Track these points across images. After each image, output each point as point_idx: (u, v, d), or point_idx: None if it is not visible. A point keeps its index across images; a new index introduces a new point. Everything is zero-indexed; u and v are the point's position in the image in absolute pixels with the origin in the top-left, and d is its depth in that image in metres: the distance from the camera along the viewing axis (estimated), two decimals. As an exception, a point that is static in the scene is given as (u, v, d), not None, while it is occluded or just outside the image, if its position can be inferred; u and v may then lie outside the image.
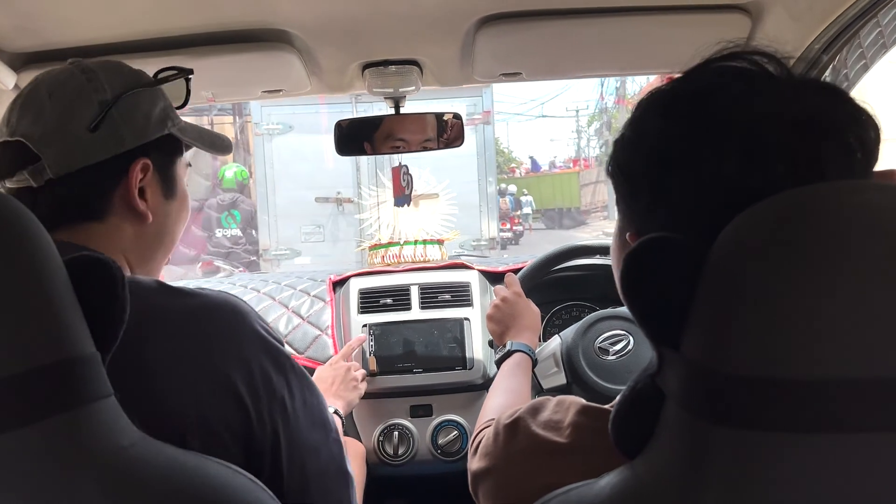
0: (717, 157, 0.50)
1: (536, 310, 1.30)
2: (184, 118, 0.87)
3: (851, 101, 0.51)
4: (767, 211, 0.43)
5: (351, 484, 0.87)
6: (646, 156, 0.56)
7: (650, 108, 0.57)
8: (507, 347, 1.19)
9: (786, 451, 0.40)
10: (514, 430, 0.71)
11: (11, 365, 0.45)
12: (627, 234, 0.60)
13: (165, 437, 0.63)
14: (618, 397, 0.62)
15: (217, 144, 0.92)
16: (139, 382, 0.65)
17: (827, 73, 1.13)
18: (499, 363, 1.18)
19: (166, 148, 0.83)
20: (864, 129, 0.50)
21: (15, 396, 0.45)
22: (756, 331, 0.41)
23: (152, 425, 0.64)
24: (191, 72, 0.89)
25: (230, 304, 0.74)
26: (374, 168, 6.15)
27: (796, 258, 0.40)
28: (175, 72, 0.86)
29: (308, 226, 6.47)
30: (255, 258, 6.55)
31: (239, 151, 9.25)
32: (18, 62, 1.10)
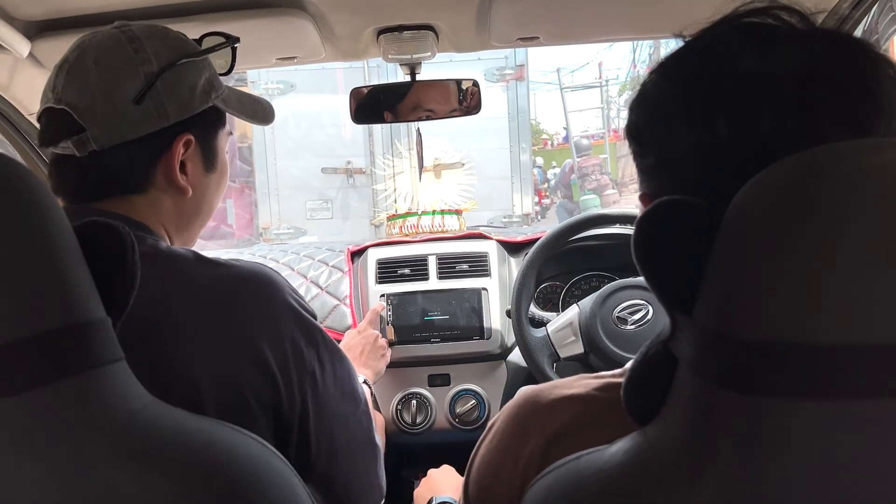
0: (708, 116, 0.49)
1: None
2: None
3: (872, 55, 0.49)
4: (782, 172, 0.42)
5: (379, 455, 0.87)
6: (648, 116, 0.56)
7: (657, 68, 0.56)
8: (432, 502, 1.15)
9: (800, 417, 0.39)
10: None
11: (21, 328, 0.46)
12: (639, 196, 0.60)
13: (197, 406, 0.64)
14: (628, 364, 0.62)
15: (259, 113, 0.92)
16: (176, 351, 0.67)
17: (858, 30, 1.09)
18: None
19: (209, 120, 0.82)
20: (885, 85, 0.48)
21: (25, 359, 0.46)
22: (769, 295, 0.40)
23: (186, 394, 0.65)
24: (237, 40, 0.87)
25: (264, 275, 0.75)
26: (390, 137, 5.45)
27: (811, 221, 0.39)
28: (222, 39, 0.85)
29: (314, 200, 5.73)
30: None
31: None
32: (33, 30, 1.10)
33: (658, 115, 0.54)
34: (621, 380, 0.58)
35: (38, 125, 0.78)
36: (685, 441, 0.45)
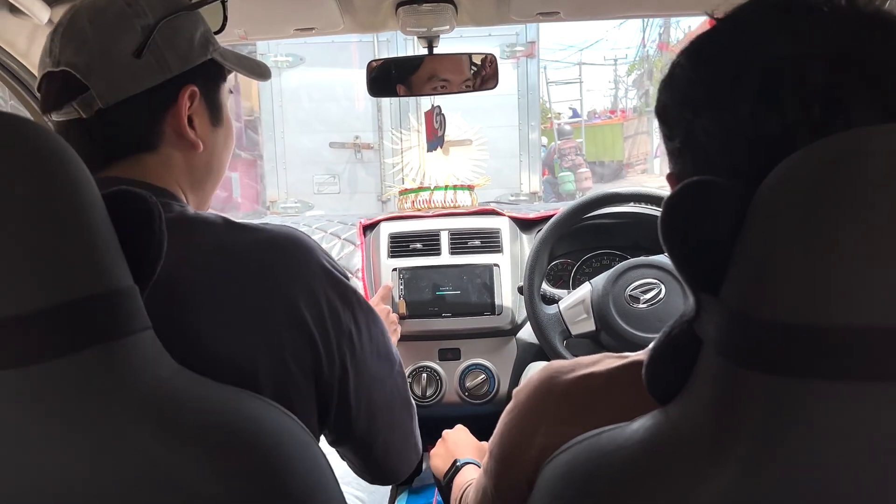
0: (733, 100, 0.49)
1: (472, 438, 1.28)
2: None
3: None
4: (815, 154, 0.41)
5: (415, 414, 0.89)
6: (675, 99, 0.55)
7: (684, 50, 0.56)
8: (457, 464, 1.16)
9: (826, 399, 0.39)
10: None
11: (52, 296, 0.46)
12: (666, 176, 0.60)
13: (238, 372, 0.65)
14: (651, 344, 0.62)
15: (256, 70, 0.91)
16: (212, 318, 0.66)
17: None
18: (449, 481, 1.14)
19: (210, 74, 0.81)
20: None
21: (55, 327, 0.46)
22: (800, 277, 0.40)
23: (224, 361, 0.65)
24: None
25: (296, 238, 0.75)
26: (399, 112, 5.37)
27: (844, 203, 0.39)
28: None
29: (321, 175, 5.63)
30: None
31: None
32: None
33: (684, 99, 0.54)
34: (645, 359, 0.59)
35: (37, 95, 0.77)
36: (708, 420, 0.45)
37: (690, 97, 0.53)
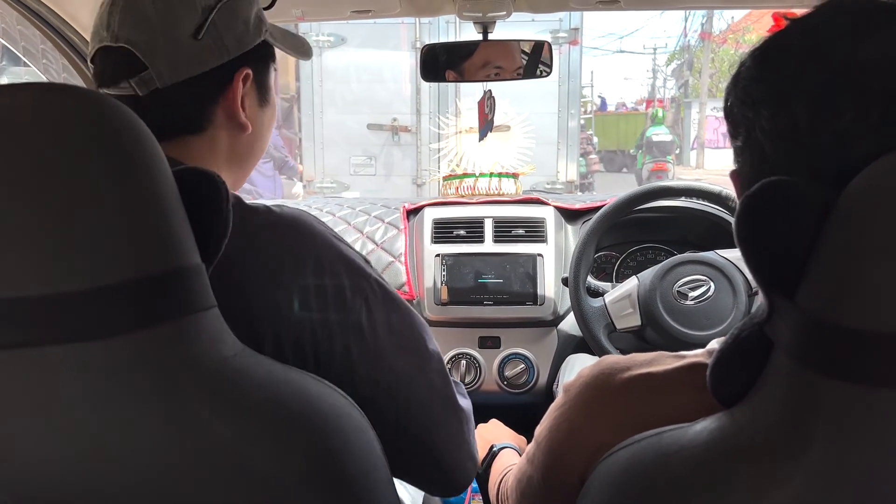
0: (792, 100, 0.48)
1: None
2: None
3: None
4: None
5: (465, 419, 0.82)
6: (739, 96, 0.55)
7: (754, 49, 0.55)
8: (493, 449, 1.15)
9: None
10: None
11: (125, 270, 0.47)
12: (729, 173, 0.59)
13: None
14: (713, 343, 0.61)
15: (301, 49, 0.90)
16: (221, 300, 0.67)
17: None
18: (487, 466, 1.13)
19: (262, 55, 0.81)
20: None
21: (128, 301, 0.47)
22: (884, 284, 0.39)
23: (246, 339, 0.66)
24: None
25: (304, 220, 0.73)
26: (438, 96, 5.38)
27: None
28: None
29: (358, 156, 5.64)
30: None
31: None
32: None
33: (746, 98, 0.54)
34: (706, 360, 0.58)
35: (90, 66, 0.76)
36: (779, 425, 0.45)
37: (752, 96, 0.53)
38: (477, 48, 1.34)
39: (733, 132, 0.56)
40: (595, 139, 12.04)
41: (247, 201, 0.74)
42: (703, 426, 0.50)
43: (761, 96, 0.52)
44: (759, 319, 0.48)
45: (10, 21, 1.19)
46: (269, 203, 0.75)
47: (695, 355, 0.64)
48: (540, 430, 0.73)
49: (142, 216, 0.48)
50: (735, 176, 0.58)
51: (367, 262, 0.78)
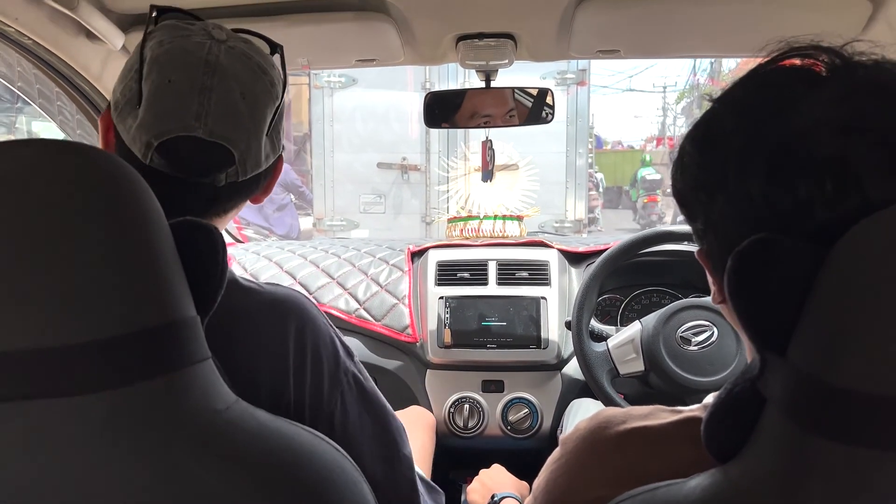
0: (744, 182, 0.49)
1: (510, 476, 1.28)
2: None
3: None
4: (893, 220, 0.40)
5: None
6: (688, 183, 0.56)
7: (690, 133, 0.57)
8: (494, 498, 1.16)
9: None
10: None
11: (120, 325, 0.47)
12: (696, 252, 0.60)
13: None
14: (709, 398, 0.60)
15: None
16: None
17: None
18: None
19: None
20: None
21: (122, 356, 0.47)
22: (879, 345, 0.39)
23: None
24: (281, 47, 0.83)
25: (300, 301, 0.76)
26: (447, 136, 5.46)
27: None
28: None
29: (368, 194, 5.68)
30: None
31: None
32: (126, 23, 1.13)
33: (696, 184, 0.55)
34: (701, 414, 0.58)
35: (146, 148, 0.70)
36: (770, 484, 0.44)
37: (702, 181, 0.54)
38: (478, 95, 1.36)
39: (690, 215, 0.57)
40: (599, 176, 12.67)
41: (238, 278, 0.76)
42: (697, 482, 0.49)
43: (711, 181, 0.53)
44: (751, 375, 0.48)
45: (25, 66, 1.23)
46: (262, 279, 0.77)
47: (691, 410, 0.64)
48: (537, 483, 0.73)
49: (137, 271, 0.49)
50: (703, 256, 0.59)
51: (350, 353, 0.80)
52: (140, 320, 0.48)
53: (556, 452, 0.71)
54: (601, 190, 12.64)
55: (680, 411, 0.64)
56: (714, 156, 0.53)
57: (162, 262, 0.51)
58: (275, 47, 0.79)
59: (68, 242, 0.47)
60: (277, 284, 0.78)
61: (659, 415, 0.64)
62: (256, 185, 0.78)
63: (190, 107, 0.68)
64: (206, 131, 0.69)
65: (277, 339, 0.72)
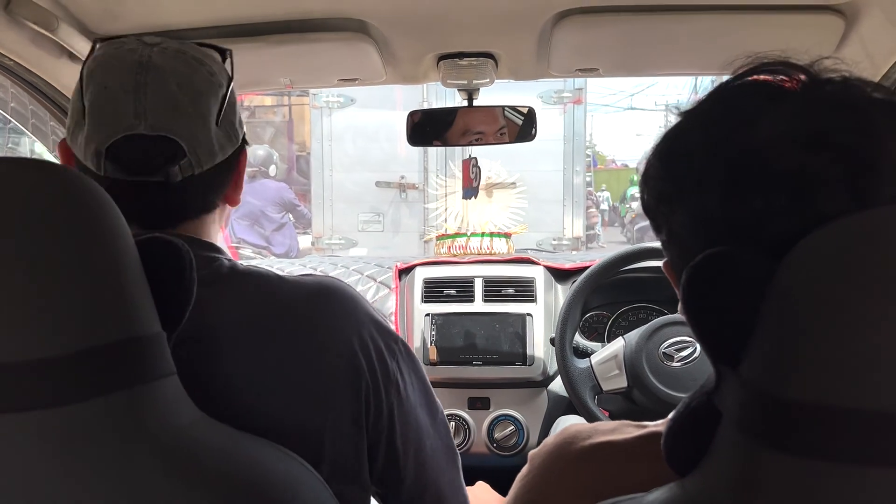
0: (700, 193, 0.50)
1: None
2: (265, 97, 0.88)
3: (871, 117, 0.46)
4: (841, 232, 0.41)
5: (459, 462, 0.89)
6: (652, 195, 0.57)
7: (656, 147, 0.58)
8: None
9: (847, 483, 0.38)
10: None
11: (81, 340, 0.48)
12: (662, 264, 0.61)
13: (298, 432, 0.67)
14: (671, 413, 0.61)
15: None
16: (254, 370, 0.68)
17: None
18: None
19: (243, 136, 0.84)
20: (886, 148, 0.45)
21: (82, 370, 0.48)
22: (822, 357, 0.39)
23: (261, 414, 0.66)
24: (229, 52, 0.83)
25: (341, 288, 0.77)
26: (444, 155, 5.41)
27: (870, 283, 0.38)
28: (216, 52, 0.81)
29: (366, 213, 5.71)
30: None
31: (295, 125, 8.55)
32: (97, 42, 1.14)
33: (659, 196, 0.56)
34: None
35: (96, 158, 0.71)
36: (725, 497, 0.44)
37: (664, 193, 0.55)
38: (460, 114, 1.38)
39: (656, 227, 0.58)
40: (605, 194, 12.93)
41: (279, 272, 0.77)
42: (655, 496, 0.49)
43: (672, 193, 0.53)
44: (707, 389, 0.48)
45: (19, 88, 1.24)
46: (295, 272, 0.77)
47: (655, 425, 0.64)
48: (507, 500, 0.73)
49: (99, 287, 0.50)
50: (668, 268, 0.59)
51: (389, 324, 0.82)
52: (100, 336, 0.49)
53: (525, 468, 0.72)
54: (603, 208, 12.70)
55: (645, 426, 0.64)
56: (676, 168, 0.54)
57: (124, 279, 0.51)
58: (223, 52, 0.80)
59: (28, 258, 0.47)
60: (322, 275, 0.81)
61: (624, 430, 0.65)
62: (220, 180, 0.78)
63: (128, 106, 0.69)
64: (148, 126, 0.69)
65: (315, 326, 0.73)
